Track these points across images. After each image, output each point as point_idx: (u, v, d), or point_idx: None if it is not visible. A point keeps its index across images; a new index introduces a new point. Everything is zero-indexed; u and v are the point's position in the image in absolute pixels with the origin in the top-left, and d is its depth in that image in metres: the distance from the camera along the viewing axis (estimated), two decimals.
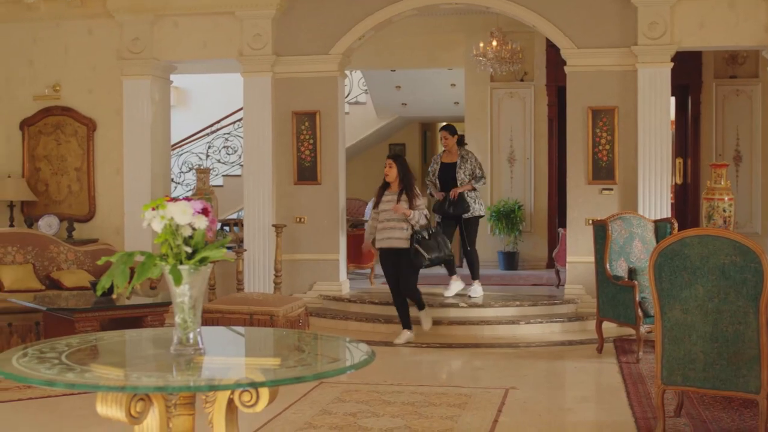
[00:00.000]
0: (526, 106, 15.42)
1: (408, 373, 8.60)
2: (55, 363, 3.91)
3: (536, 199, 15.44)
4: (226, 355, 4.50)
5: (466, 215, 11.18)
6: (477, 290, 11.43)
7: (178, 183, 17.20)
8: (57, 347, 4.21)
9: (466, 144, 12.09)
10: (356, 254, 12.99)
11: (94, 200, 12.37)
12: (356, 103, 18.90)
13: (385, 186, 10.16)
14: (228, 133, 17.77)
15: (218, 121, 17.98)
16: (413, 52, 15.81)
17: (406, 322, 10.14)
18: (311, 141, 11.96)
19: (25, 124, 12.53)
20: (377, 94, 18.63)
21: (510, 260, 15.17)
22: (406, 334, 10.09)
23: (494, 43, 13.78)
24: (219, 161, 17.57)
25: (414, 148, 21.54)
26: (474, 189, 11.25)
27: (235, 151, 17.39)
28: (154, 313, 8.68)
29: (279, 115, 12.02)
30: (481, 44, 13.86)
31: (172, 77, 13.03)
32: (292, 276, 11.84)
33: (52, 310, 8.59)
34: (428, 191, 11.70)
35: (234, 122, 17.49)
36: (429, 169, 11.68)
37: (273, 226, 11.53)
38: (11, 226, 11.93)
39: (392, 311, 10.34)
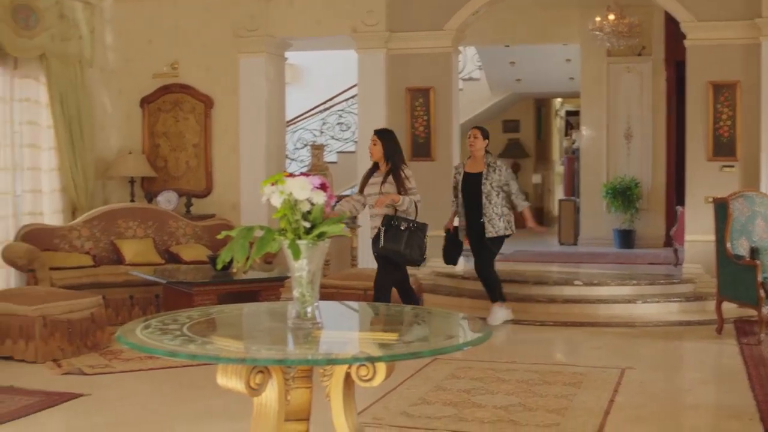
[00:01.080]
0: (644, 81, 15.11)
1: (522, 351, 8.53)
2: (177, 335, 3.98)
3: (653, 176, 15.14)
4: (343, 330, 4.52)
5: (490, 234, 9.54)
6: (497, 316, 9.73)
7: (293, 159, 17.36)
8: (179, 319, 4.29)
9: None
10: None
11: (211, 176, 12.58)
12: (470, 79, 18.79)
13: (375, 167, 8.76)
14: (342, 110, 17.85)
15: (332, 98, 18.07)
16: (528, 27, 15.61)
17: None
18: (425, 117, 11.95)
19: (145, 101, 12.79)
20: (491, 70, 18.50)
21: (626, 238, 14.92)
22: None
23: (611, 16, 13.50)
24: (333, 138, 17.67)
25: (528, 124, 21.35)
26: (496, 203, 9.57)
27: (349, 128, 17.46)
28: (270, 287, 8.81)
29: (393, 92, 12.03)
30: (598, 18, 13.60)
31: (287, 54, 13.14)
32: None
33: (171, 284, 8.79)
34: (453, 207, 10.01)
35: (348, 99, 17.55)
36: (453, 181, 10.01)
37: None
38: (132, 201, 12.22)
39: (508, 288, 10.23)
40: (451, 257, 10.00)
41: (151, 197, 12.51)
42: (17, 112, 11.05)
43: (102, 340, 8.45)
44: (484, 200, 9.51)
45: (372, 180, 8.68)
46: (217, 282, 8.69)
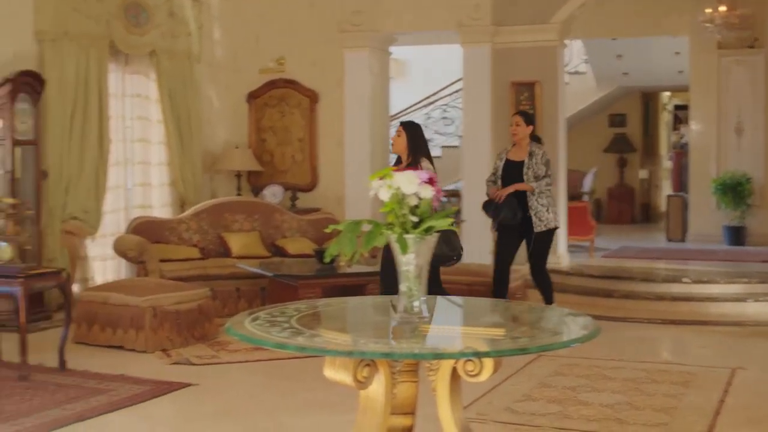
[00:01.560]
0: (756, 74, 14.70)
1: (629, 349, 8.40)
2: (286, 327, 4.01)
3: (766, 172, 14.74)
4: (449, 324, 4.51)
5: (538, 228, 8.93)
6: None
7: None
8: (286, 312, 4.33)
9: (541, 141, 9.42)
10: (577, 226, 12.79)
11: (316, 170, 12.69)
12: (576, 73, 18.57)
13: (398, 161, 8.20)
14: (446, 105, 17.83)
15: (436, 93, 18.05)
16: (635, 20, 15.35)
17: None
18: (530, 112, 11.83)
19: (252, 96, 12.96)
20: (598, 64, 18.25)
21: (736, 235, 14.56)
22: None
23: (722, 8, 13.19)
24: (437, 132, 17.66)
25: (635, 118, 21.00)
26: (540, 192, 8.94)
27: (453, 122, 17.43)
28: (375, 281, 8.83)
29: (497, 86, 11.95)
30: (708, 10, 13.30)
31: (391, 49, 13.16)
32: None
33: (277, 277, 8.89)
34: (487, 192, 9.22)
35: (452, 93, 17.52)
36: (493, 166, 9.38)
37: None
38: (238, 195, 12.39)
39: (614, 285, 10.08)
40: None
41: (257, 191, 12.67)
42: (128, 107, 11.31)
43: (209, 332, 8.60)
44: (527, 192, 8.90)
45: None
46: (322, 276, 8.76)
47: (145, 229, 10.26)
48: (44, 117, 9.85)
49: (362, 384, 3.89)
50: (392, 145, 8.14)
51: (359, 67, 12.37)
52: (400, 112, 17.91)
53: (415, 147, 7.95)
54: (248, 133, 12.96)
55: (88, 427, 5.96)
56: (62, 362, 7.36)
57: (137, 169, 11.46)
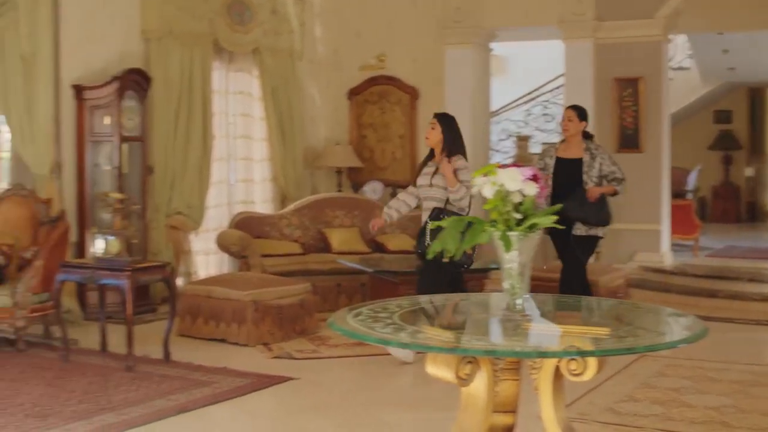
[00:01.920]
0: None
1: (734, 351, 8.20)
2: (388, 323, 4.03)
3: None
4: (551, 322, 4.47)
5: (578, 232, 8.13)
6: None
7: (497, 150, 17.30)
8: (389, 308, 4.34)
9: (593, 138, 8.61)
10: (680, 225, 12.56)
11: (416, 167, 12.67)
12: (680, 68, 18.20)
13: (431, 156, 7.74)
14: (546, 101, 17.65)
15: (537, 89, 17.89)
16: (743, 13, 14.95)
17: None
18: (634, 108, 11.66)
19: (352, 93, 13.03)
20: (702, 59, 17.86)
21: None
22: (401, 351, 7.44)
23: None
24: (537, 129, 17.50)
25: (741, 115, 20.52)
26: (616, 193, 8.30)
27: (554, 119, 17.23)
28: (474, 278, 8.81)
29: (600, 82, 11.80)
30: None
31: (492, 45, 13.09)
32: (612, 246, 11.59)
33: (378, 273, 8.91)
34: None
35: (553, 89, 17.34)
36: (540, 163, 8.52)
37: None
38: (339, 191, 12.47)
39: (719, 285, 9.87)
40: None
41: (357, 187, 12.73)
42: (232, 104, 11.49)
43: (310, 326, 8.67)
44: (581, 191, 8.10)
45: (425, 170, 7.64)
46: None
47: (247, 225, 10.40)
48: (150, 114, 10.05)
49: (464, 381, 3.88)
50: (426, 138, 7.70)
51: (460, 63, 12.33)
52: (501, 108, 17.80)
53: (449, 141, 7.51)
54: (349, 129, 13.03)
55: (192, 418, 6.06)
56: (167, 354, 7.51)
57: (240, 165, 11.63)
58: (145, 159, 9.90)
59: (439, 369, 3.87)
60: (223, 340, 8.31)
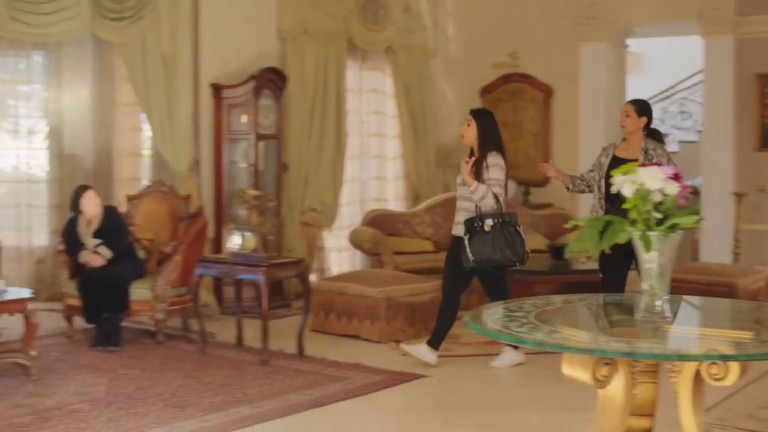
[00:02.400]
0: None
1: None
2: (524, 322, 3.99)
3: None
4: (691, 325, 4.37)
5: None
6: None
7: None
8: (524, 307, 4.31)
9: (661, 136, 7.64)
10: None
11: None
12: None
13: (471, 155, 7.37)
14: (684, 98, 17.23)
15: (673, 86, 17.49)
16: None
17: (433, 339, 7.42)
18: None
19: (485, 91, 12.96)
20: None
21: None
22: (424, 353, 7.40)
23: None
24: (674, 127, 17.10)
25: None
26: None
27: (691, 116, 16.82)
28: None
29: (740, 78, 11.44)
30: None
31: (627, 41, 12.85)
32: (752, 247, 11.25)
33: (511, 272, 8.84)
34: (569, 188, 7.59)
35: (690, 87, 16.92)
36: (595, 161, 7.49)
37: (733, 194, 11.04)
38: None
39: None
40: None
41: None
42: (365, 102, 11.59)
43: None
44: None
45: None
46: (557, 272, 8.67)
47: (380, 222, 10.46)
48: (285, 112, 10.20)
49: (601, 383, 3.82)
50: (462, 136, 7.42)
51: (595, 60, 12.14)
52: None
53: (484, 138, 7.21)
54: None
55: (325, 413, 6.13)
56: (301, 349, 7.61)
57: (372, 162, 11.72)
58: (280, 156, 10.05)
59: (575, 370, 3.82)
60: (355, 337, 8.38)
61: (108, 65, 10.17)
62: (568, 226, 4.13)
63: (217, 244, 9.56)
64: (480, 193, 7.01)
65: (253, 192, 8.23)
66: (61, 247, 8.32)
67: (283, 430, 5.82)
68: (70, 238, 8.20)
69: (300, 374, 7.02)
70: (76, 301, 8.09)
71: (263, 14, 10.23)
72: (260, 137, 9.72)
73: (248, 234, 7.61)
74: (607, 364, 3.78)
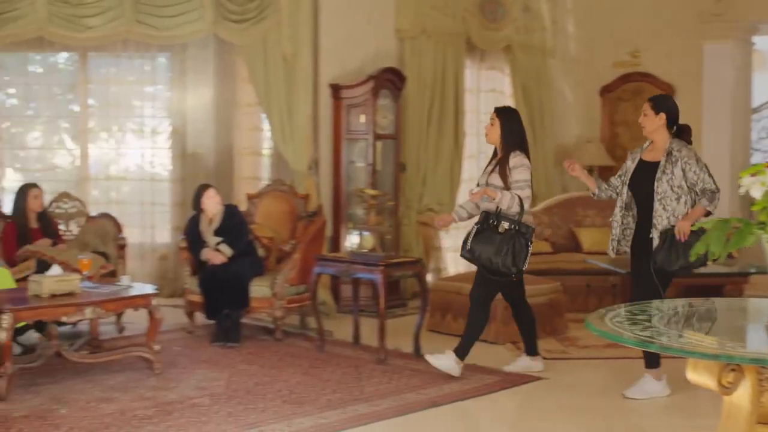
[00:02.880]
0: None
1: None
2: (647, 326, 3.92)
3: None
4: None
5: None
6: (647, 389, 6.53)
7: (756, 149, 16.52)
8: (647, 310, 4.23)
9: (689, 134, 6.84)
10: None
11: None
12: None
13: (495, 154, 7.12)
14: None
15: None
16: None
17: (461, 349, 7.01)
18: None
19: (605, 90, 12.76)
20: None
21: None
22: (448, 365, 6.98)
23: None
24: None
25: None
26: (709, 213, 6.35)
27: None
28: (733, 282, 8.46)
29: None
30: None
31: (754, 39, 12.51)
32: None
33: (629, 274, 8.69)
34: (594, 194, 7.07)
35: None
36: (623, 167, 6.89)
37: None
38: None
39: None
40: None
41: None
42: (483, 102, 11.53)
43: (559, 326, 8.57)
44: (656, 205, 6.43)
45: (487, 169, 7.08)
46: (678, 275, 8.47)
47: None
48: (403, 112, 10.23)
49: (727, 390, 3.73)
50: (485, 135, 7.16)
51: (719, 59, 11.84)
52: (761, 105, 16.98)
53: (507, 138, 6.91)
54: (601, 127, 12.79)
55: (441, 413, 6.13)
56: (417, 348, 7.61)
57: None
58: (397, 156, 10.08)
59: (699, 376, 3.74)
60: None
61: (229, 66, 10.36)
62: (693, 228, 4.03)
63: (335, 243, 9.63)
64: (506, 202, 6.75)
65: (371, 191, 8.27)
66: (184, 244, 8.50)
67: (399, 429, 5.84)
68: (192, 235, 8.37)
69: (416, 374, 7.03)
70: (197, 298, 8.26)
71: (382, 15, 10.27)
72: (378, 137, 9.76)
73: (366, 233, 7.65)
74: (733, 370, 3.69)
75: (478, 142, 11.43)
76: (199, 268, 8.32)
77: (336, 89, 9.79)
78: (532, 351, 7.27)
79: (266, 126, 10.10)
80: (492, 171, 6.95)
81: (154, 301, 6.99)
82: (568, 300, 9.37)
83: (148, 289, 7.18)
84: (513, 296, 7.24)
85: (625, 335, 3.77)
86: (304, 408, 6.08)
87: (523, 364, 7.26)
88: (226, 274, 8.01)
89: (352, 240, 7.77)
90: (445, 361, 6.92)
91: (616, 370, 7.29)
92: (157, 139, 10.44)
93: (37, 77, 10.42)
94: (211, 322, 8.24)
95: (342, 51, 9.92)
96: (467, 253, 6.90)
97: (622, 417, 6.10)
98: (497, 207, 6.77)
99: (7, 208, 8.76)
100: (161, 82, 10.41)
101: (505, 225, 6.74)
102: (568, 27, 12.64)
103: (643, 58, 12.49)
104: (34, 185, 8.55)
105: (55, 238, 8.51)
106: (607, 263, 9.11)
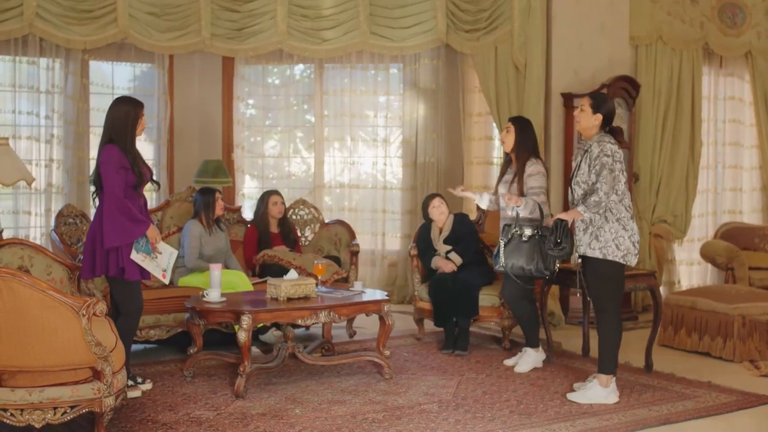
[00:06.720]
0: None
1: None
2: None
3: None
4: None
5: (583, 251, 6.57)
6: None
7: None
8: None
9: (621, 135, 6.67)
10: None
11: None
12: None
13: (509, 162, 7.49)
14: None
15: None
16: None
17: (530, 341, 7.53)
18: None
19: None
20: None
21: None
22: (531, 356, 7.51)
23: None
24: None
25: None
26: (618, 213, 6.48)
27: None
28: None
29: None
30: None
31: None
32: None
33: None
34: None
35: None
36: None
37: None
38: None
39: None
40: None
41: None
42: (721, 110, 11.15)
43: None
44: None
45: (505, 177, 7.48)
46: None
47: (734, 235, 10.04)
48: (637, 121, 10.01)
49: None
50: (502, 143, 7.53)
51: None
52: None
53: (521, 146, 7.33)
54: None
55: (674, 431, 5.94)
56: (648, 363, 7.42)
57: (727, 173, 11.25)
58: (630, 166, 9.87)
59: None
60: (706, 354, 8.05)
61: (460, 76, 10.43)
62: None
63: None
64: (529, 208, 7.16)
65: None
66: (414, 252, 8.62)
67: None
68: (422, 243, 8.49)
69: (647, 389, 6.85)
70: (426, 305, 8.36)
71: (616, 22, 10.09)
72: None
73: None
74: None
75: (716, 152, 11.05)
76: (429, 275, 8.42)
77: (568, 98, 9.69)
78: (534, 343, 7.53)
79: (496, 135, 10.12)
80: (513, 180, 7.34)
81: (386, 307, 7.12)
82: None
83: (380, 295, 7.33)
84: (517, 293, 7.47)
85: None
86: (532, 419, 6.04)
87: (530, 359, 7.46)
88: (456, 283, 8.07)
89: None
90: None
91: None
92: (388, 149, 10.64)
93: (275, 88, 10.83)
94: (440, 329, 8.32)
95: (574, 59, 9.81)
96: (502, 268, 7.25)
97: None
98: (517, 214, 7.17)
99: (247, 214, 9.16)
100: (393, 92, 10.61)
101: (528, 232, 7.09)
102: None
103: None
104: (275, 192, 8.90)
105: (295, 245, 8.82)
106: None
